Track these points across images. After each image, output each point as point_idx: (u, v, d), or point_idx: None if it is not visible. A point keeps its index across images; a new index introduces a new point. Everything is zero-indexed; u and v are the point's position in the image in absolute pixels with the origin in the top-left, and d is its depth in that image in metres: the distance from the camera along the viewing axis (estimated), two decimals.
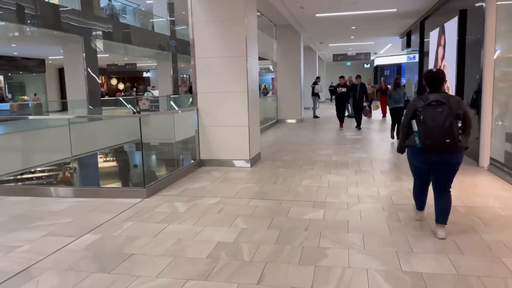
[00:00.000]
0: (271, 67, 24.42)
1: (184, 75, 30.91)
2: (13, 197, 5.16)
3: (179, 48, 23.52)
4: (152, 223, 4.03)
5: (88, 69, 15.72)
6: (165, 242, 3.51)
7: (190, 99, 23.69)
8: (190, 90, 24.35)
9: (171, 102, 21.84)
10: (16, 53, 18.97)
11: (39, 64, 21.97)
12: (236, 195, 5.02)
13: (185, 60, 25.71)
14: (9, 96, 21.74)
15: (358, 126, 12.19)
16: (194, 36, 6.83)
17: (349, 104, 15.06)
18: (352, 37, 18.15)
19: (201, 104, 6.92)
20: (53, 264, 3.14)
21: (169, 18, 23.04)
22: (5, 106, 19.64)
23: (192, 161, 6.97)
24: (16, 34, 13.80)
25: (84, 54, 15.53)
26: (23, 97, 20.96)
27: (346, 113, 14.45)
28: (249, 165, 6.72)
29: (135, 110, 21.97)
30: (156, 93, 25.72)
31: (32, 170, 7.75)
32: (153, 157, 9.42)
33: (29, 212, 4.54)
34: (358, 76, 12.84)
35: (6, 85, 22.71)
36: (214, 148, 6.89)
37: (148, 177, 5.46)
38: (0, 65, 19.45)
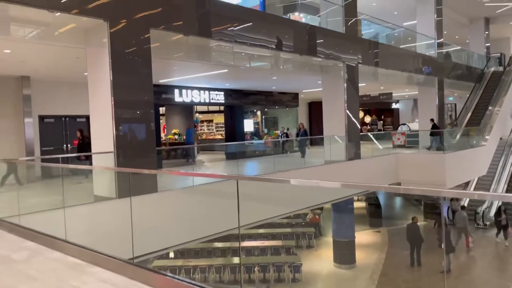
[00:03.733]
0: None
1: (449, 105, 25.93)
2: None
3: (434, 72, 19.22)
4: None
5: (347, 100, 13.51)
6: None
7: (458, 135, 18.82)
8: (434, 126, 19.21)
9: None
10: (274, 88, 18.88)
11: (293, 99, 21.69)
12: None
13: (450, 86, 21.15)
14: (265, 130, 22.16)
15: None
16: None
17: None
18: None
19: None
20: None
21: (436, 40, 19.17)
22: (260, 142, 19.80)
23: None
24: (281, 66, 12.79)
25: (345, 85, 13.41)
26: (276, 131, 20.87)
27: None
28: None
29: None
30: (414, 126, 21.95)
31: None
32: None
33: None
34: None
35: (264, 120, 23.43)
36: None
37: None
38: (259, 100, 19.78)
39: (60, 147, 12.86)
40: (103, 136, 7.99)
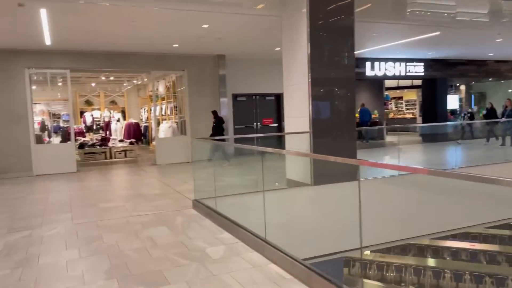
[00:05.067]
0: None
1: None
2: None
3: None
4: None
5: None
6: None
7: None
8: None
9: None
10: (491, 54, 15.15)
11: None
12: None
13: None
14: (475, 108, 18.40)
15: None
16: None
17: None
18: None
19: None
20: None
21: None
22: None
23: None
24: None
25: None
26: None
27: None
28: None
29: None
30: None
31: None
32: None
33: None
34: None
35: (473, 96, 19.52)
36: None
37: None
38: (469, 71, 16.28)
39: (251, 126, 12.89)
40: (297, 115, 7.12)
